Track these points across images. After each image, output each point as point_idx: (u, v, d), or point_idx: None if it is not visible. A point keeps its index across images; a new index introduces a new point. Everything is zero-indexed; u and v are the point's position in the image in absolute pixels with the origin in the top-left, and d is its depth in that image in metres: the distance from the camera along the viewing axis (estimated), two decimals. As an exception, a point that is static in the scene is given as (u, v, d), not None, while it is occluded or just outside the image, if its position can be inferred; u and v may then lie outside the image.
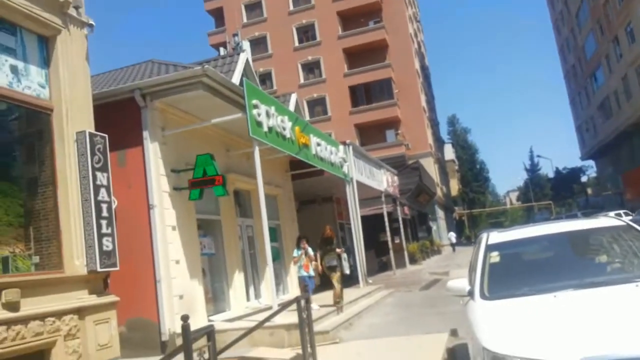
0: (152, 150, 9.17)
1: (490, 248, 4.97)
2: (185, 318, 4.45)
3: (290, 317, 7.48)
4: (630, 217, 31.02)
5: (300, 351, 6.86)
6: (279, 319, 8.25)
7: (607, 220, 5.30)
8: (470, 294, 4.46)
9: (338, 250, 12.09)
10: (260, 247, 11.97)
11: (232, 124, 10.51)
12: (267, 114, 10.00)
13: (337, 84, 41.82)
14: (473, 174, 76.37)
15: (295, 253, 11.42)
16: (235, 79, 13.21)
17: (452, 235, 42.28)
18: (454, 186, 64.21)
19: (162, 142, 9.40)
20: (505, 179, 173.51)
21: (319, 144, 13.45)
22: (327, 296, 11.56)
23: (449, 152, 65.43)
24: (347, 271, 12.53)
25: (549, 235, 5.23)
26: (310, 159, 12.81)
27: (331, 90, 42.09)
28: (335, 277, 11.27)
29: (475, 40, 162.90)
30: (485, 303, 4.17)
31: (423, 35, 61.91)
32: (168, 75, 9.45)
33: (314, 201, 18.89)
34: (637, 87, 38.90)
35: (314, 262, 11.16)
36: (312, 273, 11.21)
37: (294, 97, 19.93)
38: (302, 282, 11.33)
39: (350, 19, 43.58)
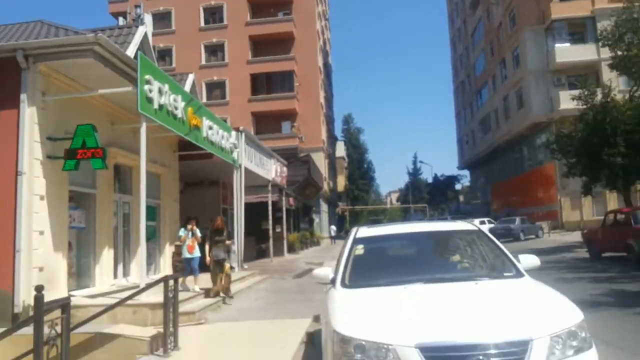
0: (29, 115, 8.69)
1: (357, 241, 5.31)
2: (39, 289, 4.38)
3: (157, 296, 7.52)
4: (491, 225, 34.26)
5: (162, 330, 6.95)
6: (145, 298, 8.25)
7: (463, 224, 5.81)
8: (333, 282, 4.75)
9: (228, 242, 11.81)
10: (135, 225, 11.69)
11: (121, 97, 10.18)
12: (160, 91, 9.84)
13: (239, 70, 41.48)
14: (360, 172, 79.39)
15: (182, 232, 11.34)
16: (131, 51, 12.77)
17: (333, 229, 43.78)
18: (341, 182, 66.21)
19: (41, 107, 8.92)
20: (389, 180, 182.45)
21: (211, 128, 13.42)
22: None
23: (341, 150, 67.35)
24: (235, 264, 12.23)
25: (412, 233, 5.67)
26: (200, 141, 12.75)
27: (232, 76, 41.66)
28: (225, 270, 10.97)
29: (378, 47, 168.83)
30: (343, 290, 4.49)
31: (330, 33, 63.05)
32: (57, 39, 8.96)
33: (200, 183, 18.73)
34: (515, 108, 42.69)
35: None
36: (196, 254, 11.20)
37: (191, 78, 19.57)
38: (182, 263, 11.30)
39: (259, 7, 43.35)
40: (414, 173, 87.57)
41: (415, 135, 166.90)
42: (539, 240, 29.98)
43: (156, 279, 9.12)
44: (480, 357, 3.25)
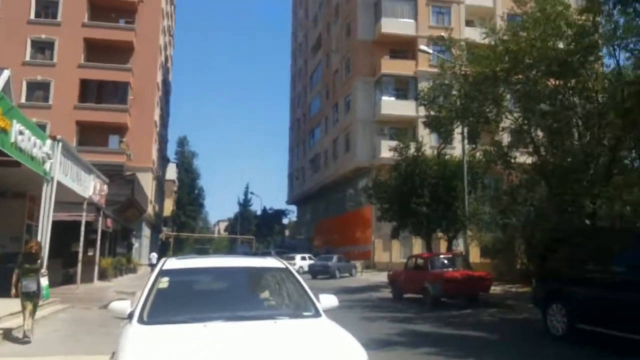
0: None
1: (163, 273, 5.09)
2: None
3: None
4: (311, 261, 35.71)
5: None
6: None
7: (274, 261, 5.86)
8: (130, 316, 4.50)
9: (42, 271, 9.83)
10: None
11: None
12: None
13: (68, 73, 38.00)
14: (190, 198, 77.55)
15: None
16: None
17: (154, 256, 41.72)
18: (168, 206, 63.82)
19: None
20: (219, 209, 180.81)
21: (22, 133, 12.03)
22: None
23: (172, 172, 65.19)
24: (46, 295, 10.28)
25: (222, 268, 5.61)
26: (6, 147, 11.36)
27: (59, 78, 38.05)
28: (30, 307, 9.23)
29: (221, 77, 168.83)
30: (139, 327, 4.26)
31: (173, 50, 61.49)
32: None
33: (3, 194, 16.63)
34: (343, 151, 45.54)
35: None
36: None
37: (6, 73, 17.59)
38: None
39: (100, 10, 40.52)
40: (245, 204, 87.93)
41: (250, 166, 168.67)
42: (352, 278, 31.89)
43: None
44: None
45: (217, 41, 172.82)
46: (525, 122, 18.02)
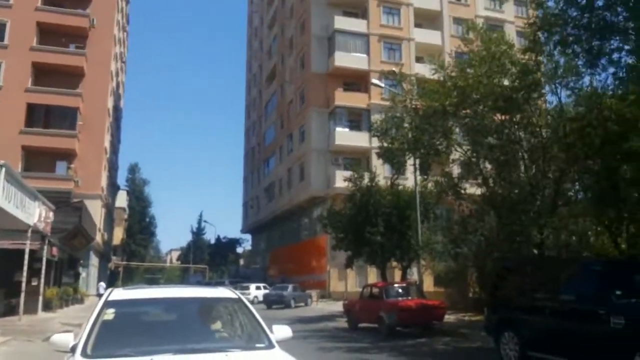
0: None
1: (108, 304, 4.92)
2: None
3: None
4: (266, 291, 35.33)
5: None
6: None
7: (226, 291, 5.68)
8: (73, 350, 4.32)
9: None
10: None
11: None
12: None
13: (15, 97, 36.60)
14: (141, 226, 75.58)
15: None
16: None
17: (102, 286, 40.22)
18: (118, 235, 61.92)
19: None
20: (172, 237, 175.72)
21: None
22: None
23: (122, 200, 63.49)
24: None
25: (171, 298, 5.43)
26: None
27: (5, 102, 36.49)
28: None
29: (174, 102, 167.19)
30: None
31: (125, 76, 60.63)
32: None
33: (-62, 222, 15.77)
34: (297, 180, 45.66)
35: None
36: None
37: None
38: None
39: (50, 34, 39.48)
40: (198, 232, 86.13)
41: (204, 194, 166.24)
42: (307, 308, 31.67)
43: None
44: None
45: (172, 69, 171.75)
46: (474, 154, 18.64)
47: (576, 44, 13.52)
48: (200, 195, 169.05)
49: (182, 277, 75.41)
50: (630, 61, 13.19)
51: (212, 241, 79.88)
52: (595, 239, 19.24)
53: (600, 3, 12.50)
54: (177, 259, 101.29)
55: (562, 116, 16.61)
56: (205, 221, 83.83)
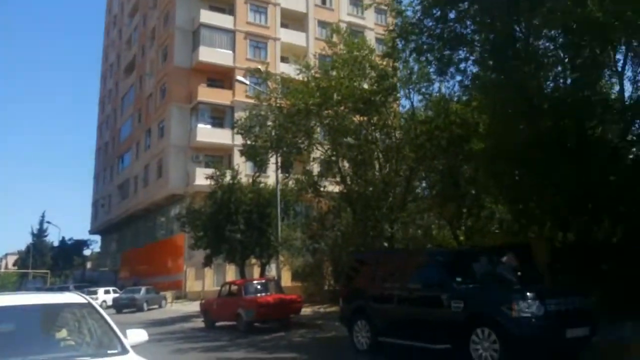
0: None
1: None
2: None
3: None
4: (116, 295, 33.24)
5: None
6: None
7: (73, 296, 5.27)
8: None
9: None
10: None
11: None
12: None
13: None
14: (-30, 226, 66.88)
15: None
16: None
17: None
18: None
19: None
20: (7, 241, 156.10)
21: None
22: None
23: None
24: None
25: (7, 307, 4.82)
26: None
27: None
28: None
29: (19, 88, 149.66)
30: None
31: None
32: None
33: None
34: (155, 178, 43.60)
35: None
36: None
37: None
38: None
39: None
40: (39, 234, 77.87)
41: (47, 193, 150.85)
42: (162, 310, 30.34)
43: None
44: None
45: (23, 51, 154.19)
46: (334, 153, 19.32)
47: (429, 53, 14.57)
48: (42, 194, 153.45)
49: (20, 284, 67.99)
50: (475, 71, 14.56)
51: (56, 244, 73.15)
52: (437, 232, 20.84)
53: (452, 15, 13.58)
54: (14, 264, 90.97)
55: (414, 119, 17.87)
56: (48, 222, 76.41)
